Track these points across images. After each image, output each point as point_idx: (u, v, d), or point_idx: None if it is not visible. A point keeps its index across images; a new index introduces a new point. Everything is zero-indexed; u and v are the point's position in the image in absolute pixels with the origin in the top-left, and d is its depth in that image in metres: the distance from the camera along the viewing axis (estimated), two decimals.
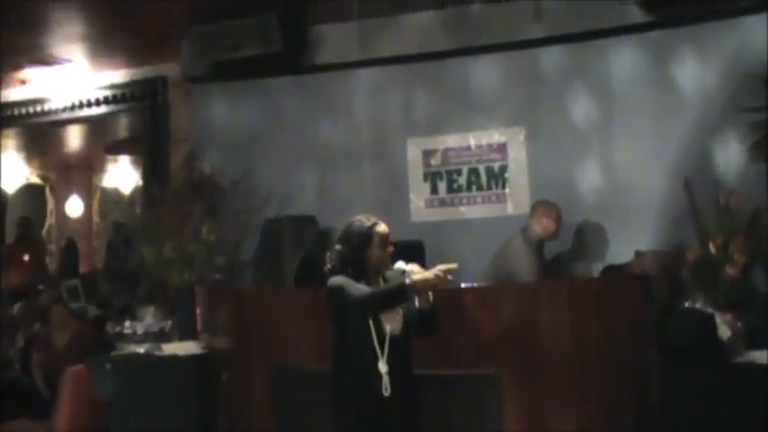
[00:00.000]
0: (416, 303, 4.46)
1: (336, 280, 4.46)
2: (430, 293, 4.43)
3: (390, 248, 4.55)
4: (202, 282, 7.00)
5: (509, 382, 5.29)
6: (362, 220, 4.58)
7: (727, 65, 6.98)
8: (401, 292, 4.31)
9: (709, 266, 5.49)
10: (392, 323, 4.44)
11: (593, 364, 5.29)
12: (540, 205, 7.17)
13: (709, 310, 5.30)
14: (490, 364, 5.34)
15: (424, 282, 4.30)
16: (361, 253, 4.51)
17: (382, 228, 4.56)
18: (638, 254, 6.72)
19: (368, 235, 4.52)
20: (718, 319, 5.19)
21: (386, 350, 4.39)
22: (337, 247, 4.57)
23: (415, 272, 4.39)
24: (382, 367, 4.37)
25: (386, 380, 4.36)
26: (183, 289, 6.96)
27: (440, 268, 4.30)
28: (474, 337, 5.44)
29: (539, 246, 7.07)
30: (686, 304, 5.46)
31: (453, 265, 4.32)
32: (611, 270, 6.86)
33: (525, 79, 7.81)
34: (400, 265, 4.50)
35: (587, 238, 7.46)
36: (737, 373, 5.06)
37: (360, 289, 4.39)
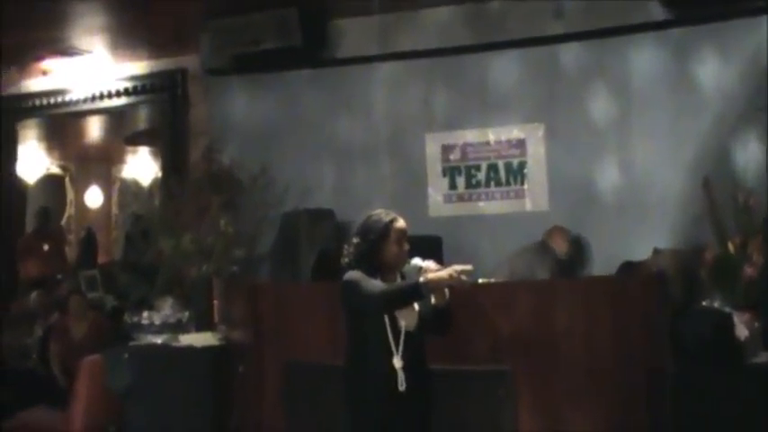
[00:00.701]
0: (432, 300, 4.40)
1: (351, 275, 4.40)
2: (446, 291, 4.36)
3: (406, 246, 4.49)
4: (220, 274, 7.02)
5: (523, 379, 5.30)
6: (381, 214, 4.53)
7: (748, 64, 6.95)
8: (415, 291, 4.23)
9: (728, 266, 5.47)
10: (407, 319, 4.40)
11: (608, 362, 5.28)
12: (556, 230, 7.29)
13: (727, 309, 5.28)
14: (504, 360, 5.34)
15: (439, 281, 4.22)
16: (377, 247, 4.44)
17: (400, 223, 4.50)
18: (657, 251, 6.72)
19: (385, 229, 4.45)
20: (736, 318, 5.17)
21: (401, 346, 4.36)
22: (354, 240, 4.52)
23: (430, 269, 4.33)
24: (397, 363, 4.33)
25: (401, 375, 4.33)
26: (200, 281, 6.99)
27: (455, 268, 4.21)
28: (489, 332, 5.44)
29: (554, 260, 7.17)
30: (703, 303, 5.44)
31: (468, 267, 4.23)
32: (628, 267, 6.85)
33: (545, 75, 7.80)
34: (417, 261, 4.44)
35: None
36: (754, 374, 5.03)
37: (374, 285, 4.34)
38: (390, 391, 4.33)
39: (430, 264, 4.40)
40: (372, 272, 4.41)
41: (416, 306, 4.44)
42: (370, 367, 4.40)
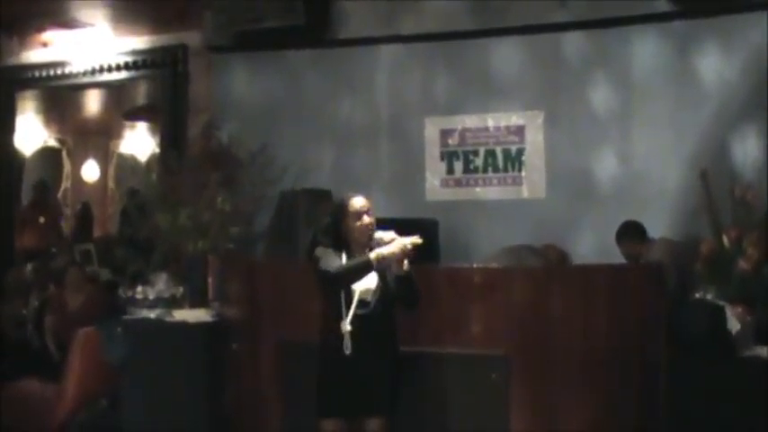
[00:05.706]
0: (394, 270, 4.76)
1: (318, 251, 4.87)
2: (405, 262, 4.72)
3: (366, 220, 4.86)
4: (215, 251, 7.03)
5: (517, 365, 5.31)
6: (347, 194, 5.00)
7: (750, 59, 6.95)
8: (366, 265, 4.69)
9: (722, 259, 5.48)
10: (362, 288, 4.76)
11: (602, 350, 5.29)
12: (549, 246, 7.29)
13: (720, 302, 5.30)
14: (499, 345, 5.35)
15: (389, 254, 4.67)
16: (338, 224, 4.91)
17: (355, 200, 4.92)
18: (651, 240, 6.79)
19: (342, 207, 4.94)
20: (729, 312, 5.19)
21: (351, 312, 4.72)
22: (325, 219, 5.01)
23: (384, 240, 4.75)
24: (345, 327, 4.70)
25: (347, 340, 4.69)
26: (195, 257, 6.99)
27: (403, 241, 4.71)
28: (484, 317, 5.45)
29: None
30: (697, 296, 5.46)
31: (417, 240, 4.73)
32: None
33: (546, 63, 7.81)
34: (378, 234, 4.81)
35: None
36: (744, 367, 5.05)
37: (332, 261, 4.78)
38: (338, 354, 4.72)
39: (386, 235, 4.78)
40: (338, 247, 4.87)
41: (376, 278, 4.78)
42: (325, 332, 4.84)
